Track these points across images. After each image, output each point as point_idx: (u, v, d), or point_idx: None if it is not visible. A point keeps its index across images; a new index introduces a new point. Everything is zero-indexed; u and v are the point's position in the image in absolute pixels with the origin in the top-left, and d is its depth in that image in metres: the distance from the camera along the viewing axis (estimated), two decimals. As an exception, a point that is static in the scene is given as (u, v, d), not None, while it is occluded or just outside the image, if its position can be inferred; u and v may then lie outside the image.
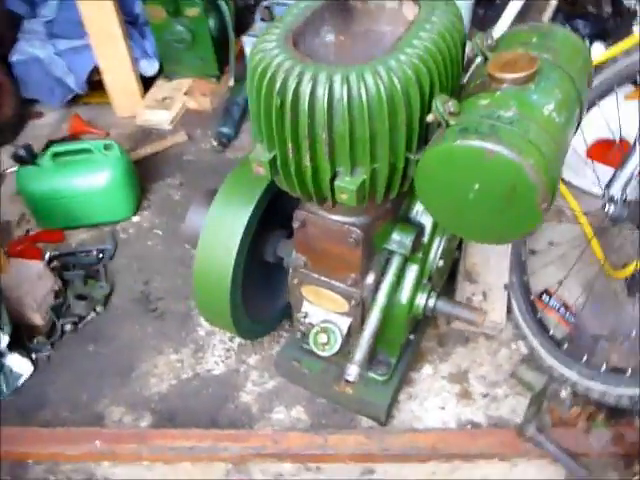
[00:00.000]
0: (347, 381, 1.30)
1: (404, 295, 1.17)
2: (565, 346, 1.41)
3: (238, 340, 1.57)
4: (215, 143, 2.18)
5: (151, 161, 2.16)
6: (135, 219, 1.96)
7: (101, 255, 1.82)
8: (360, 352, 1.12)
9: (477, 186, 0.78)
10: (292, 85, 0.79)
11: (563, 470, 1.28)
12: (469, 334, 1.55)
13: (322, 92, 0.78)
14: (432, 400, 1.43)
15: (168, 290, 1.73)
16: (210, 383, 1.49)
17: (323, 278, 1.15)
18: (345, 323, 1.19)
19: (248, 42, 2.29)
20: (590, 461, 1.28)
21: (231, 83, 2.44)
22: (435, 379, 1.47)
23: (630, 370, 1.32)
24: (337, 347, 1.17)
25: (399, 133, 0.82)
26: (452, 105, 0.79)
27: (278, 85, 0.80)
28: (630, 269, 1.56)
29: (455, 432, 1.34)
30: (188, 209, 1.39)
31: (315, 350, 1.19)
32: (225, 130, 2.20)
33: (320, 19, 0.92)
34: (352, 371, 1.12)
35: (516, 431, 1.30)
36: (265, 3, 2.34)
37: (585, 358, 1.37)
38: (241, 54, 2.40)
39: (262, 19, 2.37)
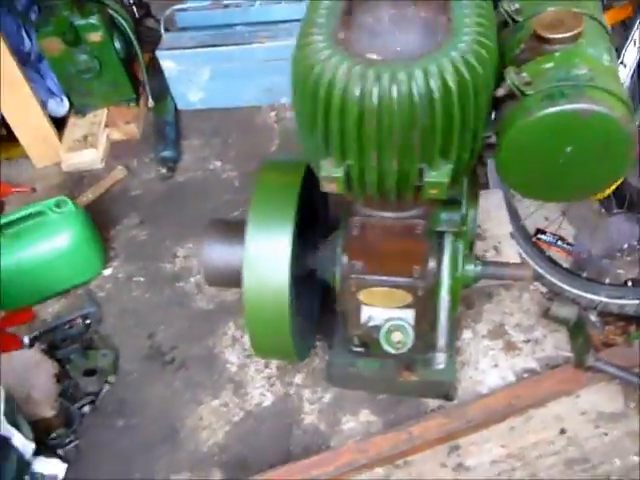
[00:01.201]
0: (408, 370, 1.32)
1: (458, 270, 1.18)
2: (584, 273, 1.51)
3: (274, 365, 1.50)
4: (163, 170, 2.03)
5: (97, 206, 1.97)
6: (107, 273, 1.79)
7: (88, 321, 1.65)
8: (442, 338, 1.12)
9: (569, 149, 0.79)
10: (372, 91, 0.74)
11: (619, 387, 1.38)
12: (490, 289, 1.60)
13: (405, 91, 0.74)
14: (484, 361, 1.46)
15: (177, 336, 1.61)
16: (266, 416, 1.42)
17: (384, 278, 1.13)
18: (410, 315, 1.18)
19: (162, 56, 2.14)
20: (642, 370, 1.39)
21: (151, 104, 2.28)
22: (477, 341, 1.51)
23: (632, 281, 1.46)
24: (411, 341, 1.16)
25: (477, 118, 0.80)
26: (526, 75, 0.79)
27: (356, 95, 0.75)
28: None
29: (521, 384, 1.39)
30: (203, 250, 1.30)
31: (390, 350, 1.17)
32: (168, 154, 2.06)
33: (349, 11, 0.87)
34: (441, 359, 1.11)
35: (575, 365, 1.38)
36: (167, 13, 2.19)
37: (607, 279, 1.47)
38: (156, 71, 2.24)
39: (166, 29, 2.23)
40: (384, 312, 1.18)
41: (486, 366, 1.46)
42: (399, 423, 1.36)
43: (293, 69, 0.83)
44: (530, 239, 1.62)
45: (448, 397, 1.37)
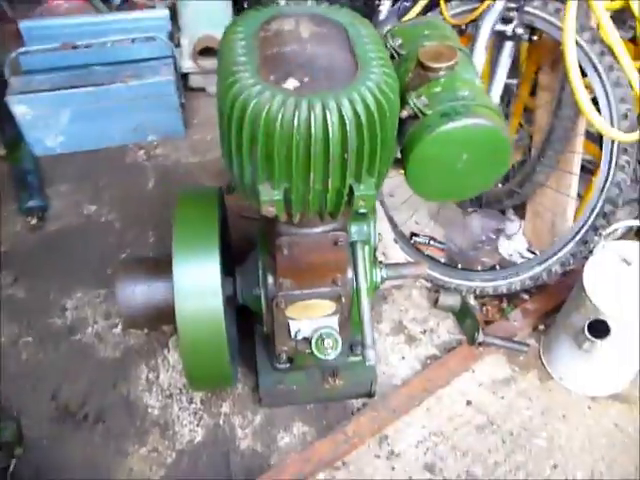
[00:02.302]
0: (333, 376, 1.42)
1: (369, 275, 1.31)
2: (459, 265, 1.74)
3: (198, 399, 1.50)
4: (32, 220, 1.90)
5: (-41, 270, 1.78)
6: (-13, 339, 1.62)
7: (-26, 396, 1.48)
8: (369, 336, 1.22)
9: (465, 156, 0.96)
10: (309, 120, 0.83)
11: (504, 356, 1.62)
12: (383, 292, 1.77)
13: (337, 118, 0.84)
14: (392, 356, 1.61)
15: (86, 391, 1.52)
16: (200, 451, 1.40)
17: (310, 291, 1.21)
18: (334, 321, 1.27)
19: (14, 101, 2.00)
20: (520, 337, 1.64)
21: (2, 152, 2.12)
22: (383, 339, 1.65)
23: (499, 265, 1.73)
24: (340, 345, 1.25)
25: (392, 137, 0.93)
26: (425, 98, 0.95)
27: (295, 124, 0.83)
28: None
29: (429, 369, 1.55)
30: (115, 291, 1.27)
31: (322, 357, 1.24)
32: (34, 203, 1.93)
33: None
34: (372, 355, 1.22)
35: (468, 343, 1.59)
36: (12, 55, 2.06)
37: (478, 267, 1.72)
38: (2, 117, 2.08)
39: (12, 75, 2.09)
40: (311, 323, 1.26)
41: (395, 360, 1.61)
42: (331, 427, 1.45)
43: (224, 106, 0.89)
44: (409, 242, 1.82)
45: (370, 394, 1.49)
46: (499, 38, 1.55)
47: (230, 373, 1.24)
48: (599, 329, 1.33)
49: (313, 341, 1.24)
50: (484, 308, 1.73)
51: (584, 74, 1.39)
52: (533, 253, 1.80)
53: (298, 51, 0.96)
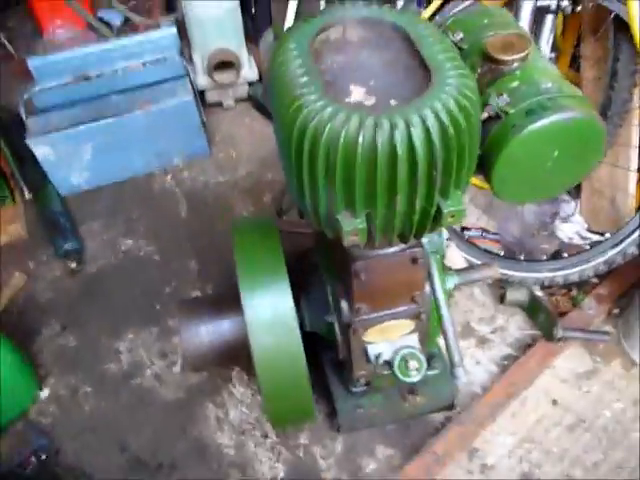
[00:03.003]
0: (412, 393, 1.34)
1: (443, 285, 1.23)
2: (522, 257, 1.66)
3: (272, 433, 1.43)
4: (71, 264, 1.83)
5: (5, 323, 1.72)
6: (45, 394, 1.56)
7: (42, 456, 1.42)
8: (457, 353, 1.15)
9: (556, 153, 0.88)
10: (394, 140, 0.75)
11: (582, 348, 1.53)
12: (444, 293, 1.68)
13: (424, 135, 0.76)
14: (466, 362, 1.53)
15: (154, 438, 1.46)
16: (285, 489, 1.34)
17: (388, 312, 1.13)
18: (415, 340, 1.20)
19: (36, 143, 1.94)
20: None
21: (28, 196, 2.06)
22: (453, 344, 1.57)
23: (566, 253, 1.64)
24: (425, 364, 1.17)
25: (477, 146, 0.85)
26: (506, 97, 0.86)
27: (380, 147, 0.75)
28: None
29: (509, 371, 1.47)
30: (179, 333, 1.20)
31: (407, 380, 1.16)
32: (70, 246, 1.87)
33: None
34: (461, 373, 1.14)
35: (547, 339, 1.50)
36: (26, 96, 2.00)
37: (543, 256, 1.63)
38: (25, 160, 2.02)
39: (28, 115, 2.02)
40: (391, 345, 1.18)
41: (470, 365, 1.53)
42: (416, 446, 1.37)
43: (291, 134, 0.81)
44: (464, 238, 1.74)
45: (452, 406, 1.41)
46: (540, 13, 1.45)
47: (312, 407, 1.17)
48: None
49: (396, 364, 1.17)
50: (553, 299, 1.64)
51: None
52: (594, 233, 1.70)
53: (361, 62, 0.89)
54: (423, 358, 1.17)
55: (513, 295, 1.60)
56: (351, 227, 0.84)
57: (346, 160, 0.78)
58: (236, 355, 1.26)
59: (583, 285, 1.63)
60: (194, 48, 2.22)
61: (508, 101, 0.87)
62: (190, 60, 2.24)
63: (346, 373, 1.32)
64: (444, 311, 1.16)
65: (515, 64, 0.92)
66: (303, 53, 0.88)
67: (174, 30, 2.17)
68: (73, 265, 1.84)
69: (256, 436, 1.43)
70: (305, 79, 0.83)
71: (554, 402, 1.45)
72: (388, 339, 1.19)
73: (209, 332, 1.23)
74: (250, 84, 2.36)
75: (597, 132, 0.88)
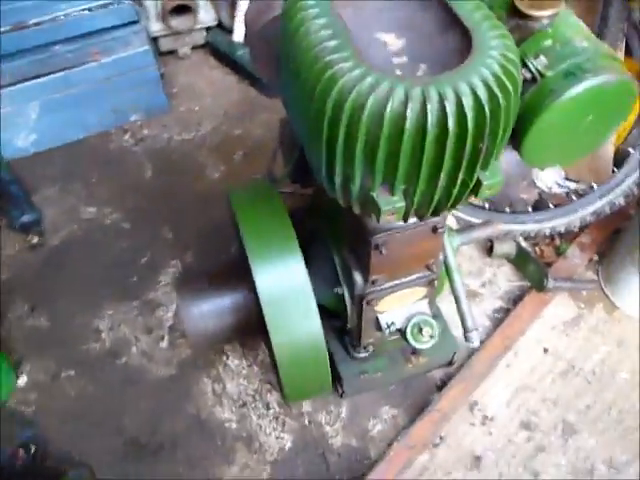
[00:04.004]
0: (416, 353, 1.35)
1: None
2: (508, 209, 1.66)
3: (274, 403, 1.41)
4: (32, 238, 1.68)
5: (-37, 308, 1.58)
6: (22, 381, 1.46)
7: (32, 448, 1.34)
8: (470, 317, 1.16)
9: (590, 117, 0.84)
10: (442, 112, 0.69)
11: (567, 296, 1.58)
12: (432, 249, 1.67)
13: (474, 104, 0.70)
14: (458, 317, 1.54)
15: (151, 418, 1.40)
16: (294, 458, 1.34)
17: (399, 281, 1.10)
18: (425, 305, 1.18)
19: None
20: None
21: (-32, 162, 1.85)
22: (446, 303, 1.58)
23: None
24: (438, 329, 1.16)
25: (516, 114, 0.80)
26: (543, 58, 0.81)
27: (429, 118, 0.69)
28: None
29: (504, 324, 1.50)
30: (181, 317, 1.13)
31: (420, 346, 1.16)
32: (28, 217, 1.71)
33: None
34: (475, 337, 1.15)
35: (537, 290, 1.53)
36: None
37: (530, 209, 1.64)
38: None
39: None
40: (401, 312, 1.16)
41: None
42: (418, 404, 1.39)
43: (324, 106, 0.72)
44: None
45: (452, 362, 1.43)
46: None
47: (330, 379, 1.14)
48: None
49: (408, 331, 1.15)
50: (537, 249, 1.67)
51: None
52: (572, 181, 1.73)
53: (392, 19, 0.81)
54: (435, 324, 1.16)
55: (501, 248, 1.60)
56: (389, 206, 0.78)
57: (391, 134, 0.71)
58: (242, 331, 1.21)
59: (565, 234, 1.66)
60: (144, -10, 2.00)
61: (545, 63, 0.82)
62: (140, 4, 2.02)
63: (351, 340, 1.30)
64: (456, 276, 1.15)
65: (545, 20, 0.86)
66: (324, 9, 0.79)
67: (118, -30, 1.94)
68: (35, 240, 1.68)
69: (258, 407, 1.40)
70: (334, 42, 0.74)
71: (545, 350, 1.50)
72: (399, 306, 1.16)
73: (212, 312, 1.16)
74: (208, 29, 2.18)
75: (631, 93, 0.85)
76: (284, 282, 1.04)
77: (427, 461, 1.32)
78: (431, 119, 0.69)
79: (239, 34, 2.08)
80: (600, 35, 1.44)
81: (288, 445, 1.35)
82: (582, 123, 0.85)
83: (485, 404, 1.41)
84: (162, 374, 1.46)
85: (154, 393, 1.43)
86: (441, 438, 1.36)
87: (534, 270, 1.55)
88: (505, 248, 1.60)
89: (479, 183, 0.81)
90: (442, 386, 1.42)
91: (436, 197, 0.80)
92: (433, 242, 1.04)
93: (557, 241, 1.67)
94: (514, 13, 0.87)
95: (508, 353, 1.48)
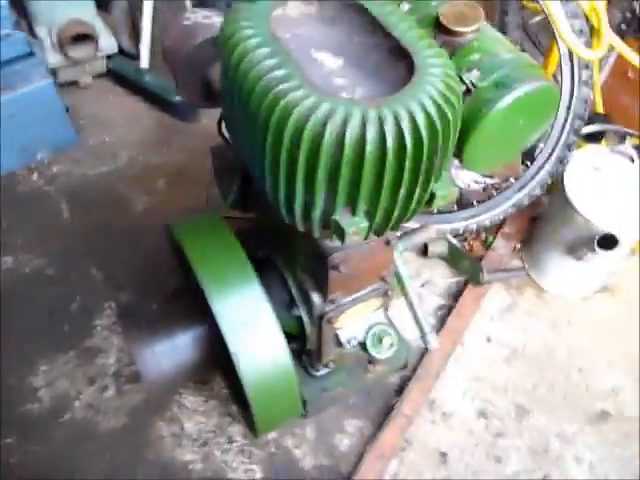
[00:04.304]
0: (373, 362, 1.37)
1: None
2: (435, 210, 1.73)
3: (236, 435, 1.37)
4: (-58, 300, 1.52)
5: None
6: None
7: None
8: (426, 322, 1.19)
9: (521, 121, 0.90)
10: (404, 131, 0.71)
11: (499, 285, 1.68)
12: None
13: (424, 122, 0.73)
14: (403, 320, 1.59)
15: (106, 474, 1.31)
16: None
17: (356, 295, 1.12)
18: (381, 315, 1.20)
19: None
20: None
21: None
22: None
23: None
24: (396, 336, 1.19)
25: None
26: (476, 71, 0.86)
27: (389, 140, 0.71)
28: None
29: (450, 320, 1.56)
30: (139, 360, 1.08)
31: (381, 356, 1.18)
32: None
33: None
34: (433, 338, 1.19)
35: (474, 284, 1.61)
36: None
37: (455, 207, 1.72)
38: None
39: None
40: (360, 325, 1.18)
41: (409, 323, 1.58)
42: (382, 411, 1.42)
43: (282, 137, 0.72)
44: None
45: (405, 366, 1.47)
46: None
47: (300, 403, 1.13)
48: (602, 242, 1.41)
49: (369, 343, 1.17)
50: (466, 245, 1.76)
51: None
52: (486, 177, 1.84)
53: (333, 44, 0.82)
54: (394, 333, 1.19)
55: (435, 247, 1.67)
56: (353, 227, 0.79)
57: (352, 158, 0.72)
58: (199, 367, 1.16)
59: (490, 227, 1.76)
60: (38, 20, 1.89)
61: (478, 75, 0.86)
62: (33, 35, 1.91)
63: (309, 360, 1.30)
64: (408, 285, 1.18)
65: (470, 35, 0.91)
66: (264, 36, 0.79)
67: (4, 1, 1.81)
68: (-55, 300, 1.53)
69: (220, 443, 1.36)
70: (282, 71, 0.74)
71: (488, 340, 1.58)
72: (357, 319, 1.18)
73: (167, 352, 1.11)
74: (109, 57, 2.09)
75: (554, 96, 0.92)
76: (245, 310, 1.02)
77: (397, 466, 1.35)
78: (390, 140, 0.71)
79: (145, 60, 2.02)
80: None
81: (258, 476, 1.32)
82: (515, 127, 0.91)
83: (442, 400, 1.46)
84: (113, 425, 1.38)
85: (108, 446, 1.35)
86: (406, 441, 1.39)
87: (469, 266, 1.63)
88: (438, 247, 1.68)
89: (433, 195, 0.85)
90: (400, 390, 1.46)
91: (395, 213, 0.82)
92: (387, 254, 1.07)
93: (483, 235, 1.76)
94: (440, 30, 0.92)
95: (458, 348, 1.54)
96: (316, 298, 1.09)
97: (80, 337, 1.51)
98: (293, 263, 1.12)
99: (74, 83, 2.11)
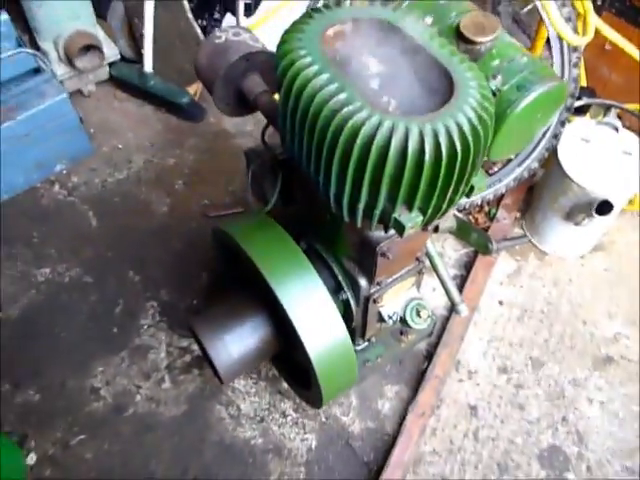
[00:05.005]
0: (405, 333, 1.52)
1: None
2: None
3: (289, 410, 1.52)
4: (-6, 315, 1.61)
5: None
6: (31, 460, 1.43)
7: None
8: (456, 292, 1.34)
9: (538, 115, 1.04)
10: (455, 142, 0.84)
11: (505, 253, 1.84)
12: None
13: (470, 132, 0.86)
14: (422, 291, 1.74)
15: (174, 459, 1.45)
16: (324, 453, 1.46)
17: (396, 276, 1.25)
18: (415, 291, 1.35)
19: None
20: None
21: None
22: (409, 280, 1.77)
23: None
24: (430, 309, 1.34)
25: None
26: (499, 77, 0.99)
27: (444, 150, 0.83)
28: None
29: (466, 291, 1.71)
30: (210, 352, 1.19)
31: (419, 327, 1.32)
32: (-18, 294, 1.62)
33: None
34: (464, 307, 1.34)
35: (484, 254, 1.77)
36: None
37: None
38: None
39: None
40: (398, 302, 1.32)
41: (428, 293, 1.74)
42: (415, 376, 1.58)
43: (353, 152, 0.84)
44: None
45: (431, 334, 1.62)
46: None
47: (356, 374, 1.27)
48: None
49: (408, 317, 1.31)
50: (471, 218, 1.91)
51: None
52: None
53: (380, 60, 0.93)
54: (427, 305, 1.33)
55: (444, 223, 1.80)
56: (411, 222, 0.93)
57: (415, 167, 0.85)
58: (264, 353, 1.29)
59: (492, 200, 1.92)
60: (41, 35, 1.93)
61: (501, 80, 0.99)
62: (37, 49, 1.95)
63: (352, 337, 1.43)
64: (439, 261, 1.33)
65: (489, 44, 1.04)
66: (322, 63, 0.89)
67: (5, 16, 1.85)
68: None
69: (276, 418, 1.50)
70: (344, 95, 0.86)
71: (500, 302, 1.74)
72: (396, 296, 1.32)
73: (235, 341, 1.23)
74: (110, 64, 2.14)
75: (564, 91, 1.06)
76: (306, 297, 1.14)
77: (434, 422, 1.51)
78: (444, 150, 0.84)
79: (149, 64, 2.08)
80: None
81: (314, 444, 1.47)
82: (533, 120, 1.05)
83: (467, 361, 1.63)
84: (175, 413, 1.51)
85: (173, 433, 1.48)
86: (440, 400, 1.55)
87: (478, 238, 1.78)
88: (447, 223, 1.80)
89: (472, 187, 0.99)
90: (428, 355, 1.61)
91: (444, 207, 0.96)
92: (423, 237, 1.21)
93: (486, 208, 1.92)
94: (462, 39, 1.04)
95: (475, 313, 1.70)
96: (363, 282, 1.22)
97: (129, 337, 1.62)
98: (337, 252, 1.25)
99: (78, 91, 2.16)
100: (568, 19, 1.48)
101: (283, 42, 0.95)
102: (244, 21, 2.02)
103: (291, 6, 1.90)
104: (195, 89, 2.18)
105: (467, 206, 1.84)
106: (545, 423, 1.52)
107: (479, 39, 1.02)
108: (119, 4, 2.12)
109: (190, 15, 2.01)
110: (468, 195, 1.01)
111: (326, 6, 0.99)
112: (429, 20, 1.08)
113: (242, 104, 1.27)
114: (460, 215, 1.89)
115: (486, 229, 1.86)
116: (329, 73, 0.88)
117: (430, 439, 1.48)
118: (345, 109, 0.85)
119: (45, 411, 1.50)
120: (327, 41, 0.95)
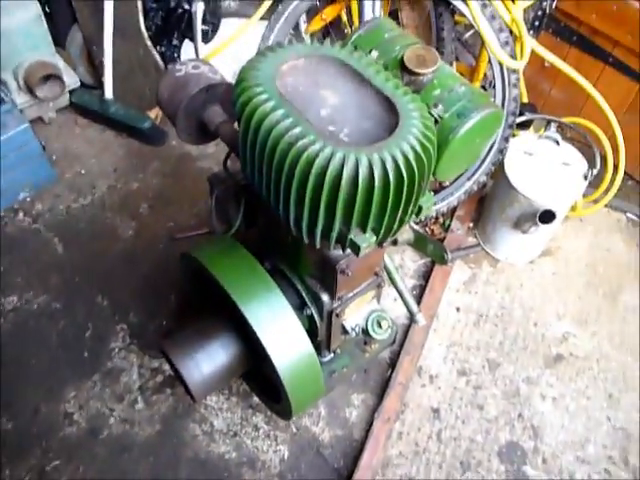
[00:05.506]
0: (369, 343, 1.60)
1: (381, 252, 1.47)
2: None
3: (261, 423, 1.57)
4: (-38, 346, 1.61)
5: None
6: (8, 488, 1.45)
7: None
8: (413, 302, 1.43)
9: (477, 139, 1.14)
10: (401, 168, 0.92)
11: (460, 262, 1.94)
12: (346, 251, 1.93)
13: (415, 159, 0.94)
14: (384, 302, 1.83)
15: (154, 475, 1.48)
16: (296, 462, 1.52)
17: (356, 291, 1.33)
18: (375, 304, 1.43)
19: None
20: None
21: None
22: (371, 292, 1.85)
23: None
24: (391, 319, 1.42)
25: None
26: (441, 106, 1.08)
27: (391, 176, 0.92)
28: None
29: (425, 297, 1.81)
30: (182, 372, 1.25)
31: (381, 337, 1.40)
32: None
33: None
34: (421, 317, 1.42)
35: (440, 264, 1.87)
36: None
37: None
38: None
39: None
40: (359, 314, 1.40)
41: (389, 304, 1.83)
42: (379, 384, 1.65)
43: (308, 180, 0.91)
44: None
45: (393, 342, 1.71)
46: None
47: (323, 385, 1.34)
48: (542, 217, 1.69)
49: (370, 328, 1.39)
50: (427, 229, 2.01)
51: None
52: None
53: (330, 94, 1.01)
54: (388, 316, 1.42)
55: (402, 236, 1.90)
56: (366, 242, 1.01)
57: (366, 193, 0.93)
58: (233, 370, 1.35)
59: (446, 212, 2.02)
60: (1, 66, 1.95)
61: (442, 109, 1.09)
62: (-2, 80, 1.97)
63: (318, 350, 1.50)
64: (396, 275, 1.42)
65: (431, 75, 1.13)
66: (277, 101, 0.97)
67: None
68: (-37, 346, 1.62)
69: (248, 432, 1.56)
70: (299, 129, 0.94)
71: (457, 309, 1.84)
72: (357, 310, 1.40)
73: (205, 359, 1.29)
74: (71, 91, 2.17)
75: (500, 117, 1.16)
76: (272, 315, 1.20)
77: (400, 427, 1.59)
78: (391, 176, 0.92)
79: (109, 90, 2.12)
80: (439, 52, 1.77)
81: (286, 454, 1.53)
82: (473, 143, 1.14)
83: (428, 366, 1.71)
84: (149, 433, 1.54)
85: (148, 453, 1.51)
86: (404, 405, 1.63)
87: (434, 249, 1.88)
88: (405, 236, 1.91)
89: (420, 207, 1.07)
90: (392, 363, 1.70)
91: (395, 227, 1.04)
92: (379, 254, 1.29)
93: (441, 219, 2.02)
94: (406, 71, 1.13)
95: (433, 321, 1.79)
96: (325, 298, 1.30)
97: (100, 361, 1.65)
98: (300, 271, 1.32)
99: (39, 119, 2.18)
100: (506, 43, 1.60)
101: (241, 80, 1.02)
102: (202, 47, 2.09)
103: (247, 33, 1.97)
104: (156, 113, 2.22)
105: (423, 219, 1.94)
106: (503, 421, 1.62)
107: (421, 70, 1.11)
108: (77, 33, 2.15)
109: (149, 42, 2.06)
110: (417, 214, 1.10)
111: (279, 44, 1.07)
112: (375, 54, 1.17)
113: (204, 134, 1.34)
114: (416, 227, 1.98)
115: (441, 240, 1.96)
116: (284, 108, 0.96)
117: (396, 443, 1.56)
118: (300, 142, 0.92)
119: (19, 439, 1.52)
120: (281, 77, 1.03)
